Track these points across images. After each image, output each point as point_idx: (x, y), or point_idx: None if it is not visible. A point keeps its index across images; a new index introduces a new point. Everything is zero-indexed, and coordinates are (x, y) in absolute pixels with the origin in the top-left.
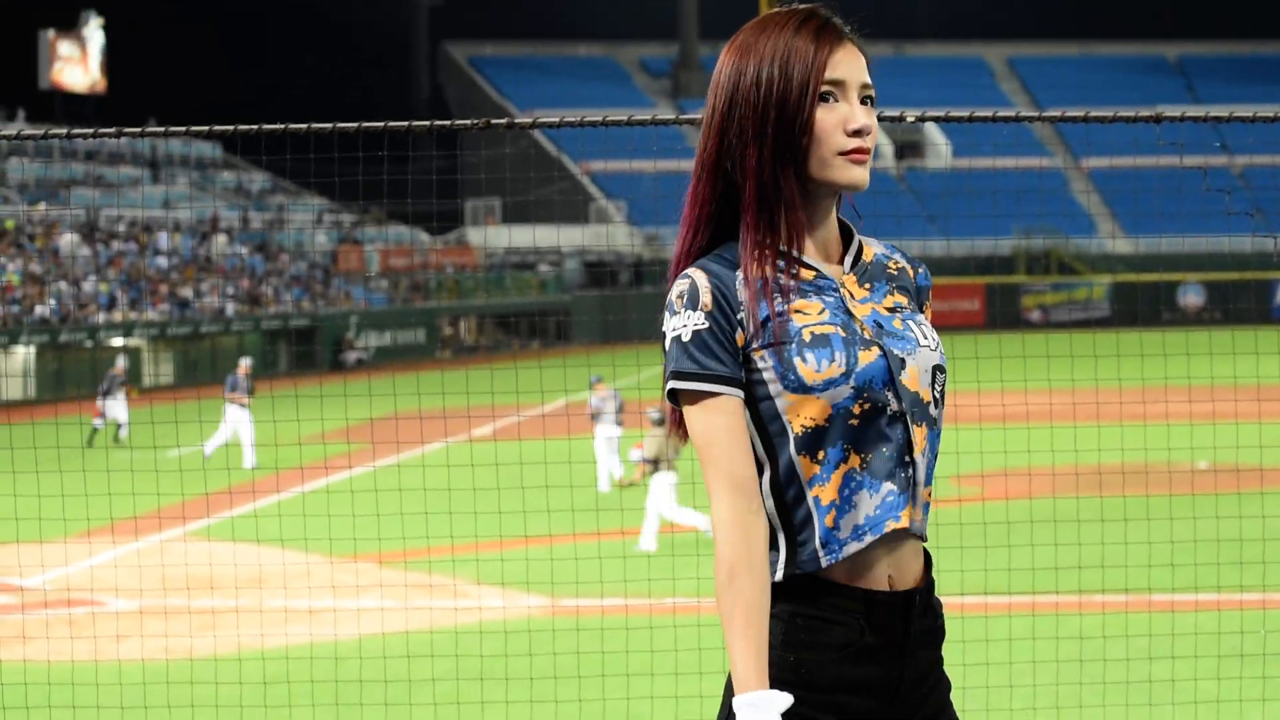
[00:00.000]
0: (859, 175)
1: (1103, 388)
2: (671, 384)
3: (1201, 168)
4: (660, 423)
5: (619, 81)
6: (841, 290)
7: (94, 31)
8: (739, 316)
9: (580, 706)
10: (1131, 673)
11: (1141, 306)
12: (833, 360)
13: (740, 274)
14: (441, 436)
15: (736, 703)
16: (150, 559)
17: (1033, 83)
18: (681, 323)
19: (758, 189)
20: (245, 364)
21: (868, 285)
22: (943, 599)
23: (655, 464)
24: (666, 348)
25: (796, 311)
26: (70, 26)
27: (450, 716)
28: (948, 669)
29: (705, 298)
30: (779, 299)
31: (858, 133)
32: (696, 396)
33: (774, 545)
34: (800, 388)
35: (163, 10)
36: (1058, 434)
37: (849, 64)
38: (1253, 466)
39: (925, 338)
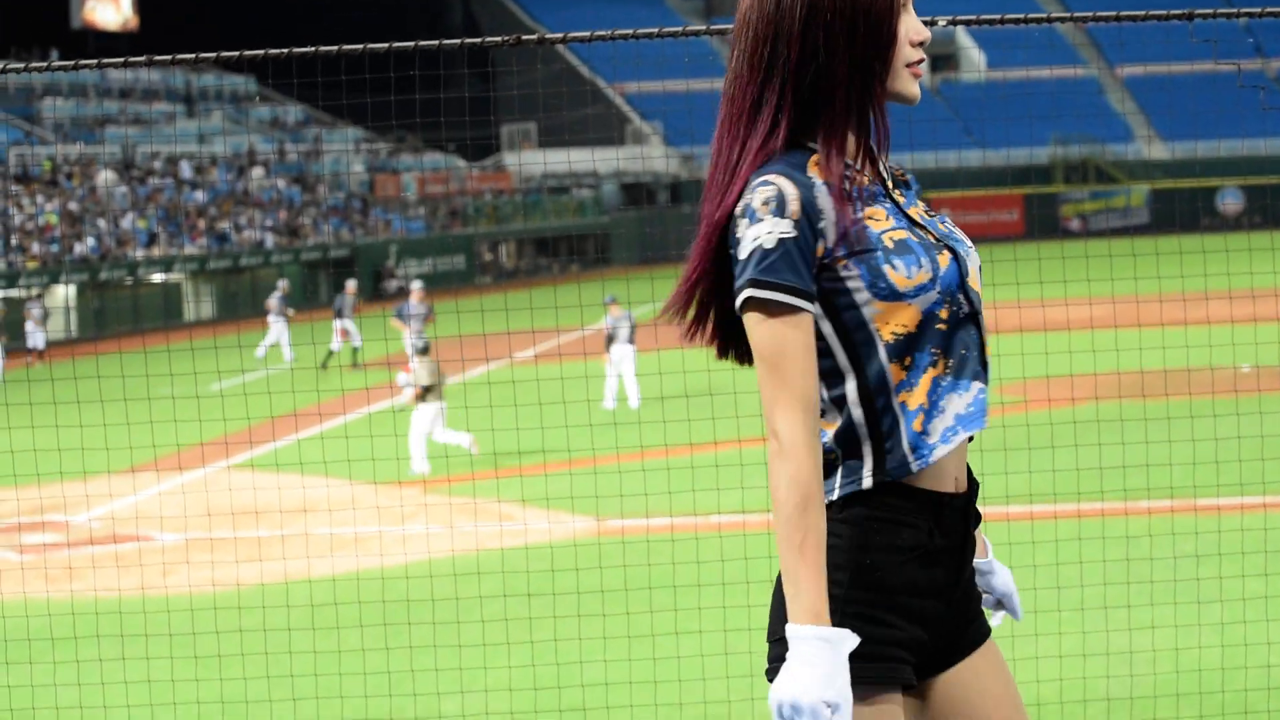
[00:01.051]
0: (916, 89)
1: (1142, 294)
2: (750, 292)
3: (1236, 68)
4: (425, 351)
5: (651, 4)
6: (890, 196)
7: None
8: (820, 226)
9: (629, 620)
10: (1179, 571)
11: (1180, 212)
12: (920, 265)
13: (820, 181)
14: (483, 361)
15: (804, 633)
16: (195, 491)
17: None
18: (767, 230)
19: (846, 98)
20: (283, 284)
21: (899, 191)
22: (988, 506)
23: (426, 391)
24: (743, 254)
25: (870, 219)
26: None
27: (499, 632)
28: None
29: (793, 205)
30: (860, 205)
31: (920, 44)
32: (774, 308)
33: (856, 454)
34: (892, 295)
35: None
36: (1099, 340)
37: None
38: None
39: (966, 238)
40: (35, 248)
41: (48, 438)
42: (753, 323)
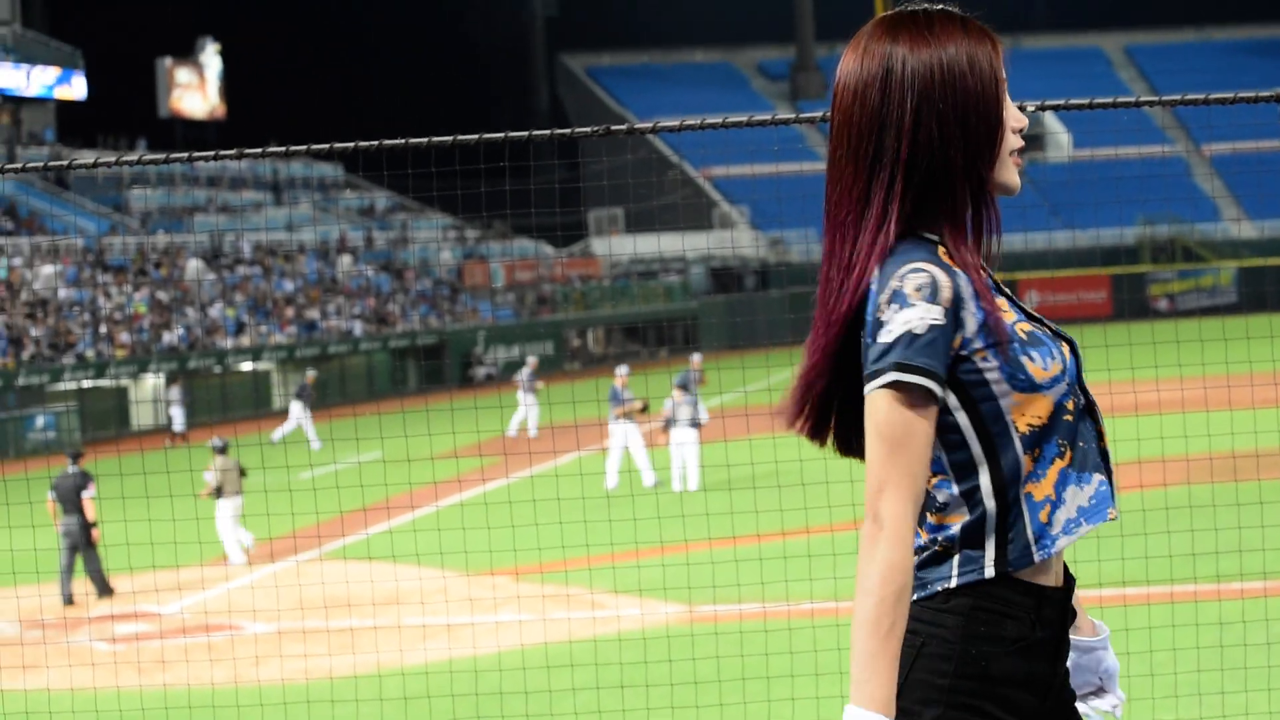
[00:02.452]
0: (1018, 179)
1: (1233, 373)
2: (895, 375)
3: None
4: (223, 450)
5: (737, 86)
6: (1001, 289)
7: (211, 58)
8: (962, 315)
9: (721, 711)
10: (1273, 657)
11: (1269, 291)
12: (1053, 357)
13: (963, 273)
14: (574, 448)
15: (861, 715)
16: (287, 581)
17: (1150, 70)
18: (919, 315)
19: (965, 187)
20: (310, 374)
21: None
22: (1081, 590)
23: (219, 491)
24: (888, 337)
25: (1001, 311)
26: (188, 54)
27: None
28: None
29: (945, 294)
30: (991, 299)
31: (1020, 130)
32: (913, 392)
33: (979, 545)
34: (1030, 386)
35: (280, 34)
36: (1190, 421)
37: (1003, 65)
38: None
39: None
40: (125, 337)
41: (140, 530)
42: (882, 403)
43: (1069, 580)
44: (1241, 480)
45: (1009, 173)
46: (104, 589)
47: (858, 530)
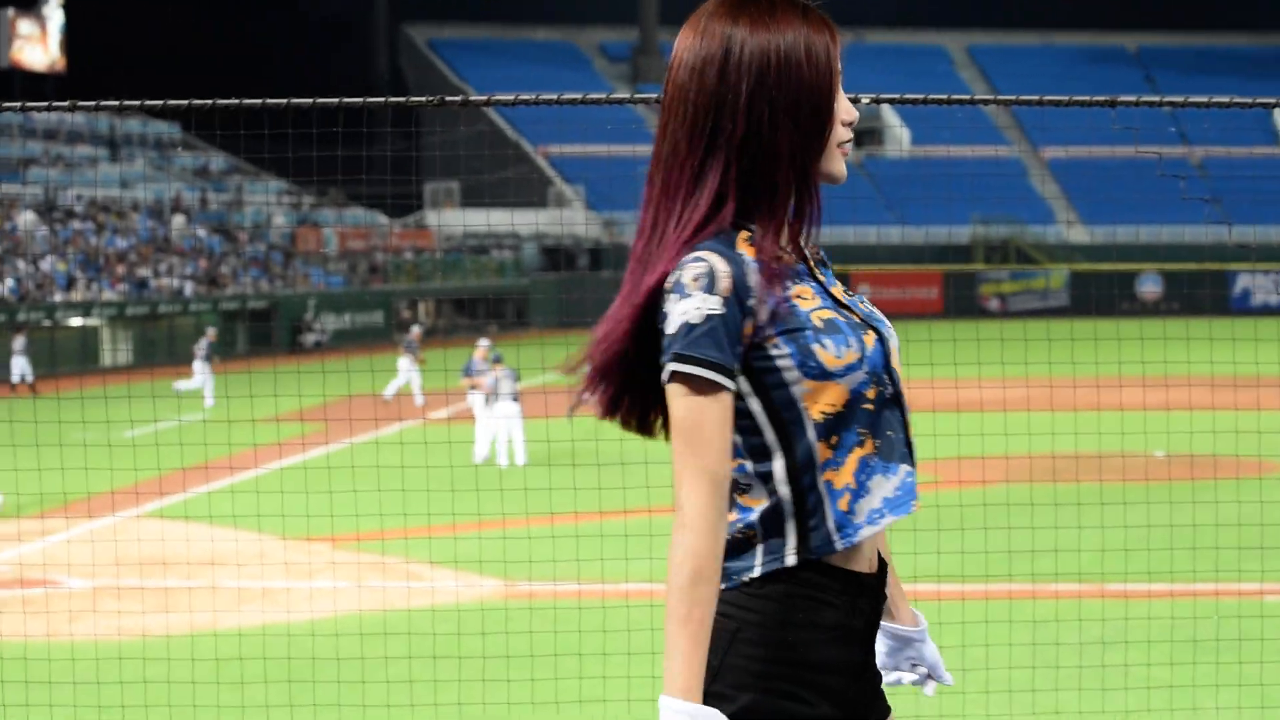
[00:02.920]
0: (844, 170)
1: (1057, 376)
2: (674, 366)
3: (1157, 155)
4: None
5: (579, 66)
6: (814, 275)
7: (54, 10)
8: (750, 304)
9: (533, 686)
10: (1085, 658)
11: (1099, 296)
12: (848, 345)
13: (751, 259)
14: (396, 419)
15: (675, 705)
16: (104, 538)
17: (992, 71)
18: (695, 305)
19: (788, 175)
20: (210, 332)
21: (819, 270)
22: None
23: None
24: (670, 328)
25: (798, 297)
26: (30, 5)
27: (403, 694)
28: None
29: (724, 283)
30: (788, 284)
31: (849, 124)
32: (695, 383)
33: (780, 532)
34: (822, 374)
35: None
36: (1012, 421)
37: (839, 57)
38: (1206, 456)
39: (885, 319)
40: None
41: None
42: (673, 395)
43: (883, 567)
44: (1061, 482)
45: (835, 163)
46: None
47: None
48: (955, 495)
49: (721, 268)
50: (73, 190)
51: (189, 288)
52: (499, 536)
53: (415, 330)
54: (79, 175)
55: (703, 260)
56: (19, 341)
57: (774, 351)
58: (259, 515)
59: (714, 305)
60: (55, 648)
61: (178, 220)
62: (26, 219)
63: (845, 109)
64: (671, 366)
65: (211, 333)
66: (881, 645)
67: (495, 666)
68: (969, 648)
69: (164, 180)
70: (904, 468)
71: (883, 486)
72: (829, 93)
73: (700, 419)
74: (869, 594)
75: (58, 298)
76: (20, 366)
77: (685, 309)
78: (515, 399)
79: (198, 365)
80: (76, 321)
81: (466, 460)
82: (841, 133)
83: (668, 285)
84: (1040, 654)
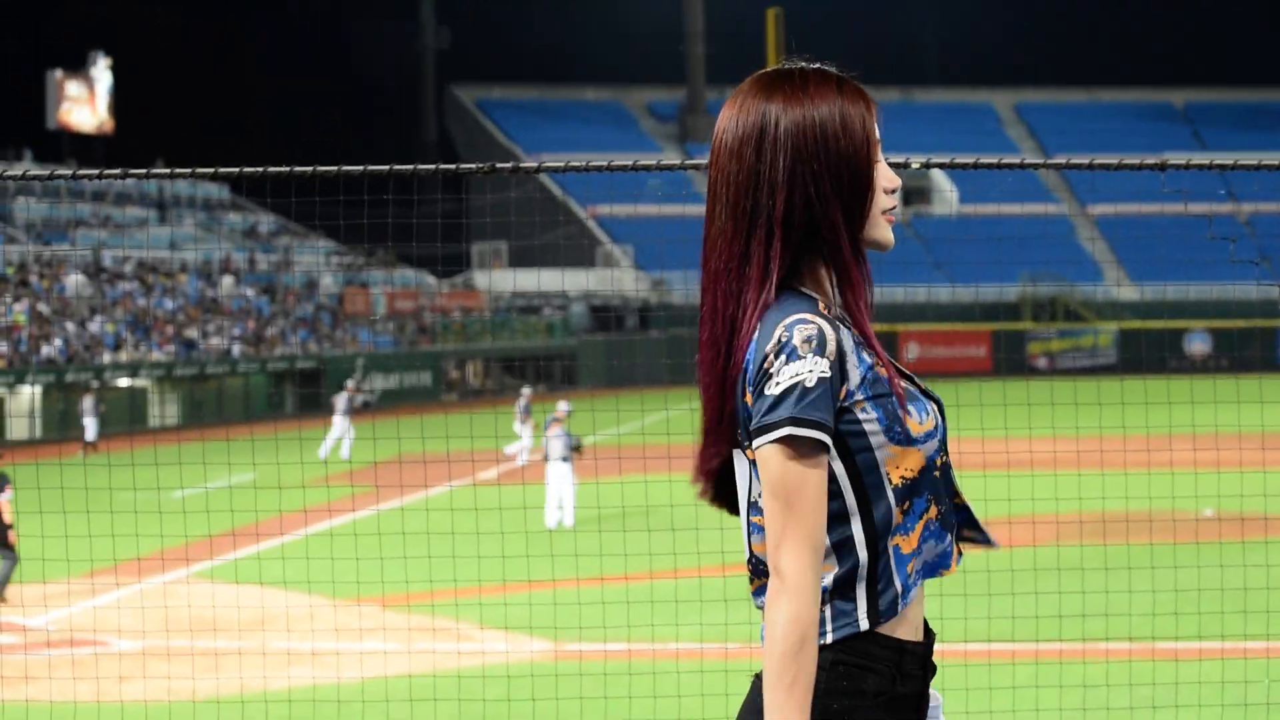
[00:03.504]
0: (891, 235)
1: (1107, 435)
2: (790, 430)
3: (1207, 216)
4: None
5: (626, 125)
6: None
7: (102, 72)
8: (846, 367)
9: None
10: None
11: (1147, 354)
12: (927, 413)
13: (844, 326)
14: (446, 480)
15: None
16: (154, 600)
17: (1040, 128)
18: (808, 368)
19: (836, 245)
20: (350, 384)
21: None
22: (948, 644)
23: None
24: (776, 390)
25: (879, 365)
26: (78, 67)
27: None
28: (953, 717)
29: (831, 345)
30: (873, 352)
31: (893, 191)
32: (804, 446)
33: (849, 597)
34: (906, 439)
35: (171, 52)
36: (1062, 481)
37: (877, 126)
38: (1257, 515)
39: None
40: (3, 347)
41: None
42: (774, 458)
43: (929, 634)
44: (1111, 542)
45: (881, 230)
46: None
47: (724, 576)
48: (1006, 556)
49: (829, 331)
50: (121, 251)
51: (237, 348)
52: (549, 600)
53: (527, 392)
54: (128, 237)
55: (810, 323)
56: (88, 402)
57: (862, 415)
58: (309, 578)
59: (824, 368)
60: (105, 711)
61: (226, 281)
62: (75, 280)
63: (887, 176)
64: (787, 430)
65: (351, 385)
66: None
67: None
68: (1019, 712)
69: (213, 241)
70: (949, 535)
71: (932, 551)
72: (867, 162)
73: (806, 482)
74: (914, 659)
75: (106, 358)
76: (92, 427)
77: (798, 370)
78: (566, 459)
79: (337, 419)
80: (124, 382)
81: (517, 521)
82: (885, 200)
83: (769, 348)
84: (1091, 718)
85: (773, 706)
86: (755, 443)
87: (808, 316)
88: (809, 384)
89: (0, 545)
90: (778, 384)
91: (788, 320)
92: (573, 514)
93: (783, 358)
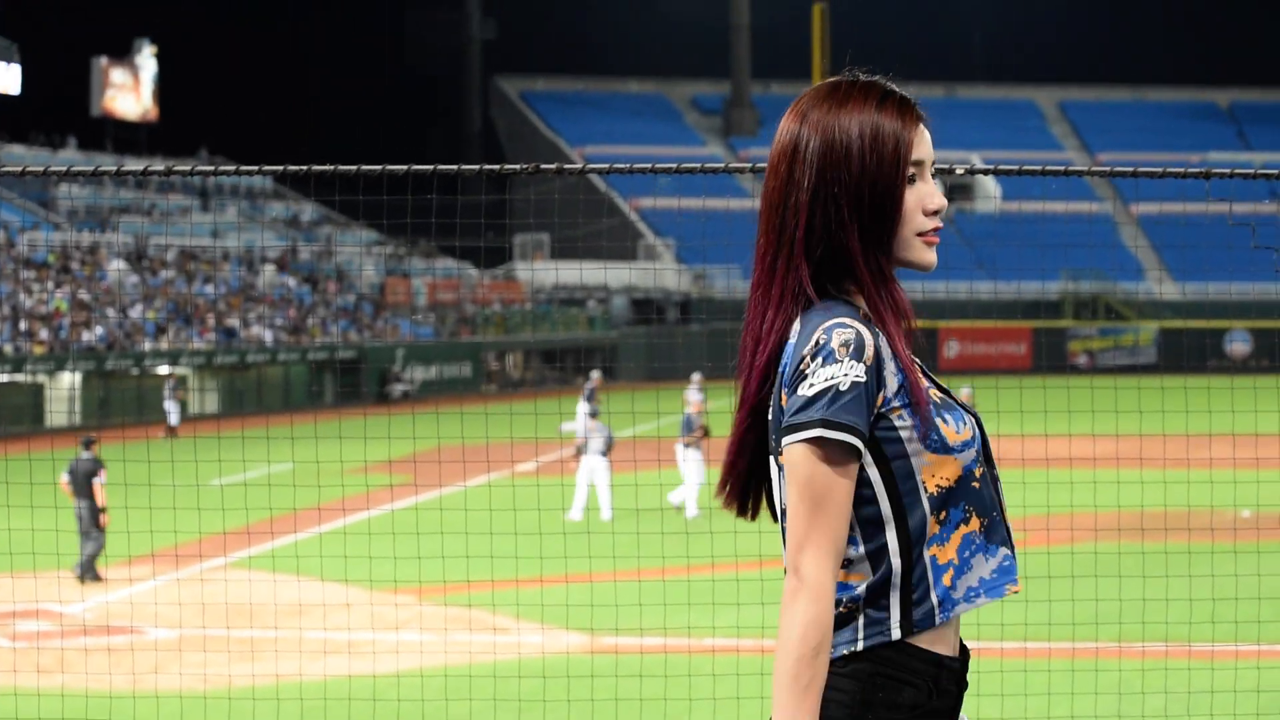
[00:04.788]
0: (931, 257)
1: (1147, 434)
2: (820, 431)
3: (1250, 225)
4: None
5: (670, 118)
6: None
7: (147, 60)
8: (884, 374)
9: None
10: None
11: (1188, 353)
12: (964, 423)
13: (882, 334)
14: (485, 471)
15: None
16: (190, 589)
17: (1083, 126)
18: (844, 371)
19: (867, 269)
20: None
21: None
22: (984, 642)
23: None
24: (810, 391)
25: (918, 374)
26: (123, 54)
27: None
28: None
29: (869, 351)
30: (907, 361)
31: (935, 212)
32: (835, 449)
33: (883, 606)
34: (943, 448)
35: (216, 39)
36: (1100, 477)
37: (925, 143)
38: None
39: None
40: (43, 334)
41: (46, 519)
42: (803, 459)
43: (964, 652)
44: (1149, 539)
45: (916, 253)
46: (91, 574)
47: (761, 570)
48: (1043, 551)
49: (868, 336)
50: (164, 239)
51: (274, 337)
52: (586, 593)
53: (595, 375)
54: (170, 224)
55: (850, 328)
56: (168, 388)
57: (898, 422)
58: (346, 569)
59: (860, 373)
60: (140, 700)
61: (268, 270)
62: (117, 267)
63: (930, 197)
64: (817, 431)
65: (596, 378)
66: None
67: (580, 713)
68: (1055, 717)
69: (255, 230)
70: (1004, 550)
71: (982, 566)
72: (894, 182)
73: (833, 486)
74: (949, 675)
75: (146, 346)
76: (175, 412)
77: (834, 374)
78: (604, 453)
79: (581, 406)
80: (164, 370)
81: (557, 515)
82: (923, 222)
83: (807, 350)
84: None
85: (785, 707)
86: (784, 441)
87: (847, 321)
88: (843, 387)
89: (92, 525)
90: (811, 385)
91: (827, 324)
92: (609, 506)
93: (819, 360)
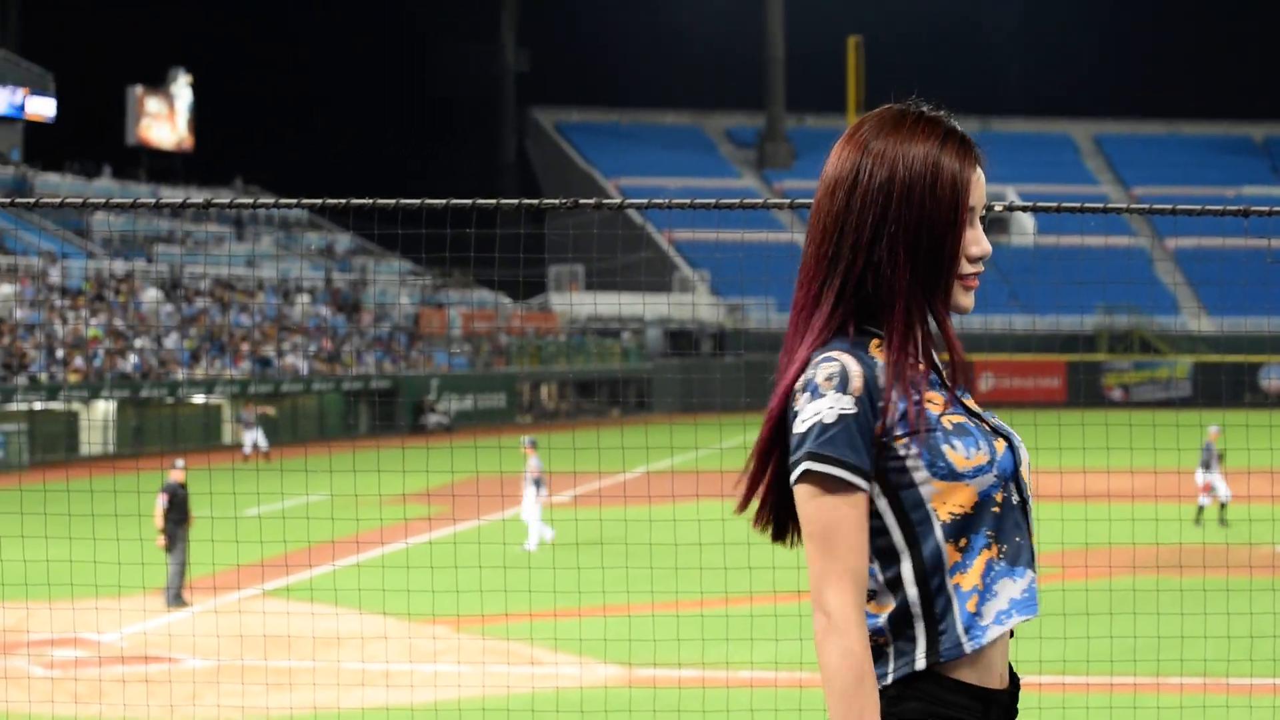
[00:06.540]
0: (969, 301)
1: (1184, 467)
2: (807, 465)
3: None
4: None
5: (705, 150)
6: (946, 386)
7: (182, 89)
8: (880, 405)
9: None
10: None
11: (1224, 387)
12: (978, 448)
13: (882, 361)
14: (521, 501)
15: None
16: (228, 619)
17: (1118, 160)
18: (828, 405)
19: (906, 308)
20: None
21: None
22: (1022, 677)
23: None
24: (801, 428)
25: (929, 402)
26: (159, 83)
27: None
28: None
29: (856, 383)
30: (915, 390)
31: (978, 259)
32: (829, 484)
33: (909, 637)
34: (951, 475)
35: (252, 69)
36: (1138, 512)
37: (980, 187)
38: None
39: (1015, 434)
40: (78, 361)
41: (84, 550)
42: (805, 497)
43: (1014, 682)
44: (1186, 574)
45: (956, 296)
46: (177, 598)
47: (799, 604)
48: (1081, 585)
49: (854, 368)
50: (199, 268)
51: (308, 366)
52: (623, 624)
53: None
54: (206, 253)
55: (834, 360)
56: (248, 415)
57: (903, 452)
58: (384, 598)
59: (847, 405)
60: None
61: (303, 299)
62: (152, 295)
63: (976, 242)
64: (804, 465)
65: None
66: None
67: None
68: None
69: (290, 259)
70: (1029, 573)
71: (1009, 589)
72: (953, 226)
73: (833, 520)
74: (998, 709)
75: (180, 375)
76: (253, 437)
77: (818, 408)
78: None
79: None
80: (199, 399)
81: (594, 546)
82: (965, 266)
83: (799, 385)
84: None
85: None
86: (791, 480)
87: (834, 355)
88: (827, 420)
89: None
90: (803, 421)
91: (817, 358)
92: (535, 540)
93: (806, 395)
